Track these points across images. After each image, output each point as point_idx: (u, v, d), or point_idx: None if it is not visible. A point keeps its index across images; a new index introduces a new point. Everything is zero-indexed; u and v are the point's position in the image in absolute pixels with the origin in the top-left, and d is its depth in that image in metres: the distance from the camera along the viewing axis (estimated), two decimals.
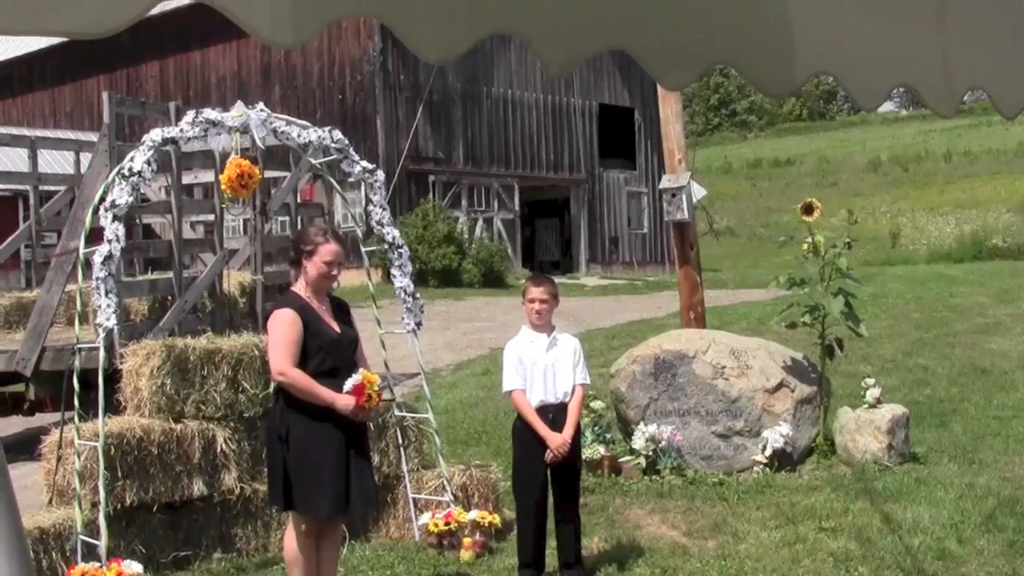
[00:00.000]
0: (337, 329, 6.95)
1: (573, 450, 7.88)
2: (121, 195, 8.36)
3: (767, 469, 10.58)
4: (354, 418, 6.74)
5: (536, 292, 7.85)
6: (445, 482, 9.10)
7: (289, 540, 7.04)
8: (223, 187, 8.64)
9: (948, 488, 9.69)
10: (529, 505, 7.78)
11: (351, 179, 10.02)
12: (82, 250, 8.40)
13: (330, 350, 6.83)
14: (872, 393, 10.78)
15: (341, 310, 7.16)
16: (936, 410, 13.05)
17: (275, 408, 7.01)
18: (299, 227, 14.05)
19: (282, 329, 6.76)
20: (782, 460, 10.65)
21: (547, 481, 7.85)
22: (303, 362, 6.72)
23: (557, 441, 7.66)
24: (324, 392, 6.68)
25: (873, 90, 3.47)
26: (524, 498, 7.85)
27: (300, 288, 6.97)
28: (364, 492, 6.93)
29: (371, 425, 7.96)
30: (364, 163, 9.83)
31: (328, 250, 6.87)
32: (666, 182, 12.89)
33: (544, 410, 7.76)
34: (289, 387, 6.74)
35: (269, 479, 7.10)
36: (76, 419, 7.95)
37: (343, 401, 6.67)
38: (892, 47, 3.44)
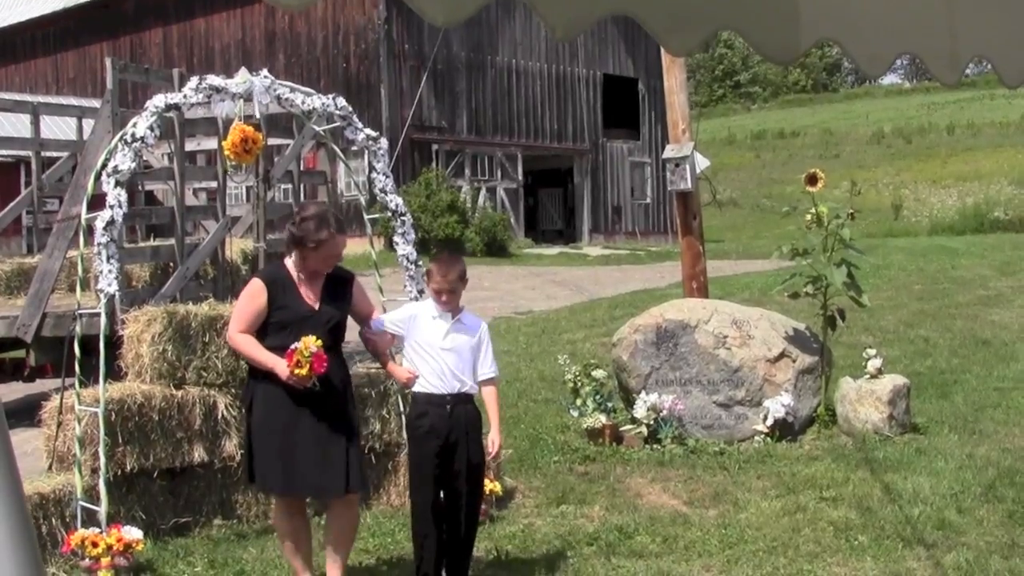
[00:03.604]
0: (315, 306, 6.74)
1: (480, 451, 7.03)
2: (123, 161, 8.34)
3: (768, 439, 10.60)
4: (295, 386, 6.46)
5: (443, 282, 6.89)
6: None
7: (274, 514, 7.11)
8: (226, 153, 8.61)
9: (948, 458, 9.70)
10: (427, 507, 6.90)
11: (354, 147, 10.00)
12: (84, 216, 8.39)
13: (297, 326, 6.58)
14: (873, 364, 10.78)
15: (337, 283, 6.93)
16: (937, 381, 13.05)
17: (246, 384, 7.05)
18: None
19: (243, 298, 6.82)
20: (783, 430, 10.66)
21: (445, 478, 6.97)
22: (267, 336, 6.65)
23: (404, 374, 7.04)
24: (265, 356, 6.58)
25: (877, 58, 3.45)
26: (421, 499, 6.93)
27: (291, 262, 6.85)
28: (330, 471, 6.64)
29: (368, 397, 7.89)
30: (368, 131, 9.80)
31: (333, 244, 6.71)
32: (670, 152, 12.87)
33: (440, 399, 6.84)
34: (236, 352, 6.95)
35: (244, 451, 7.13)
36: (77, 385, 7.95)
37: (280, 367, 6.47)
38: (897, 15, 3.42)
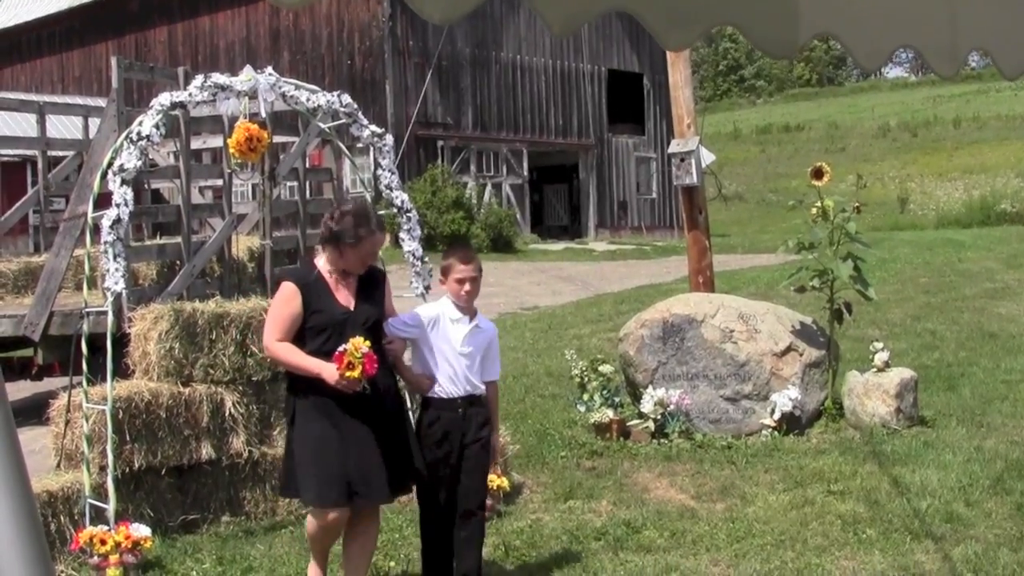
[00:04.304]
0: (350, 306, 6.44)
1: (488, 451, 6.91)
2: (129, 159, 8.35)
3: (775, 433, 10.59)
4: (344, 389, 6.12)
5: (466, 269, 6.70)
6: None
7: (308, 524, 6.69)
8: (231, 151, 8.62)
9: (956, 451, 9.69)
10: (438, 510, 6.76)
11: (360, 144, 10.00)
12: (90, 215, 8.40)
13: (335, 329, 6.31)
14: (880, 357, 10.77)
15: (370, 283, 6.62)
16: (944, 374, 13.04)
17: (287, 396, 6.68)
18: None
19: (276, 304, 6.48)
20: (790, 424, 10.66)
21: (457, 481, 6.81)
22: (304, 342, 6.34)
23: (425, 382, 6.75)
24: (310, 362, 6.25)
25: (875, 51, 3.45)
26: (433, 502, 6.76)
27: (322, 261, 6.53)
28: (374, 479, 6.35)
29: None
30: (373, 127, 9.81)
31: (373, 242, 6.45)
32: (675, 146, 12.87)
33: (452, 403, 6.71)
34: (277, 362, 6.49)
35: (282, 464, 6.82)
36: (84, 383, 7.96)
37: (327, 370, 6.14)
38: (895, 8, 3.42)
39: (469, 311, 6.78)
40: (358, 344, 6.08)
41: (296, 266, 6.99)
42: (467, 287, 6.68)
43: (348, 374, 6.07)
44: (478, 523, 6.88)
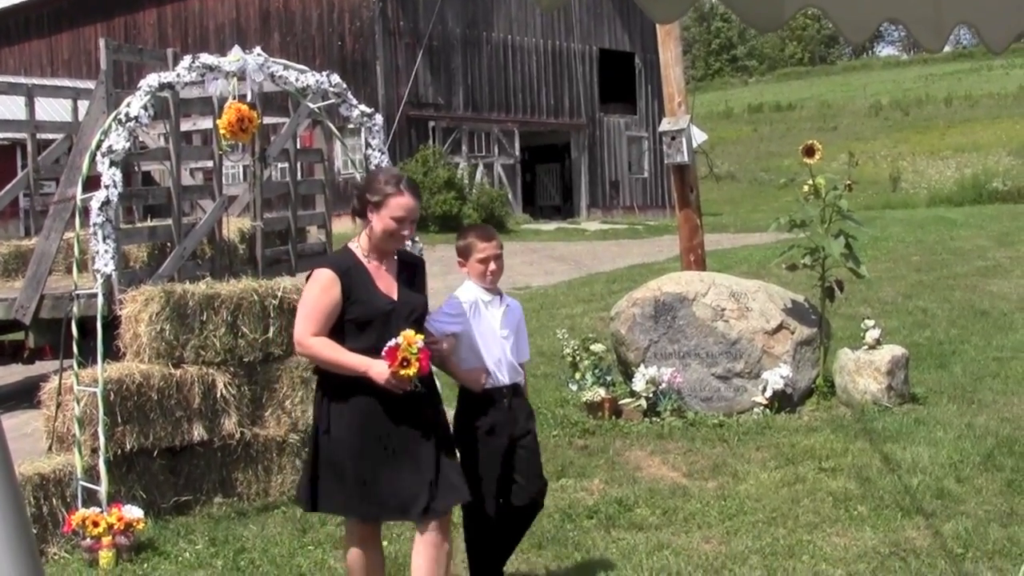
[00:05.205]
0: (394, 296, 5.70)
1: (537, 443, 6.50)
2: (118, 140, 8.34)
3: (767, 410, 10.61)
4: (394, 389, 5.41)
5: (488, 247, 6.19)
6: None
7: (345, 544, 6.04)
8: (222, 131, 8.60)
9: (947, 428, 9.71)
10: (490, 513, 6.22)
11: (350, 124, 9.99)
12: (79, 197, 8.38)
13: (381, 322, 5.57)
14: (871, 334, 10.78)
15: (410, 270, 5.93)
16: (936, 351, 13.06)
17: (317, 399, 5.83)
18: (299, 173, 14.05)
19: (312, 293, 5.62)
20: (782, 401, 10.67)
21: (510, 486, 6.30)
22: (345, 338, 5.57)
23: (479, 376, 6.19)
24: (354, 359, 5.49)
25: (861, 24, 3.44)
26: (485, 505, 6.17)
27: (358, 245, 5.79)
28: (417, 486, 5.61)
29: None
30: (362, 107, 9.81)
31: (399, 203, 5.61)
32: (666, 125, 12.86)
33: (498, 394, 6.19)
34: (313, 359, 5.75)
35: (301, 475, 6.09)
36: (75, 366, 7.96)
37: (376, 368, 5.40)
38: None
39: (496, 291, 6.29)
40: (412, 338, 5.38)
41: (332, 253, 5.92)
42: (492, 266, 6.18)
43: (403, 372, 5.36)
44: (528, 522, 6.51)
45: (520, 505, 6.32)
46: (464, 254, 6.25)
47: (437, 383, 6.05)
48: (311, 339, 5.54)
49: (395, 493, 5.60)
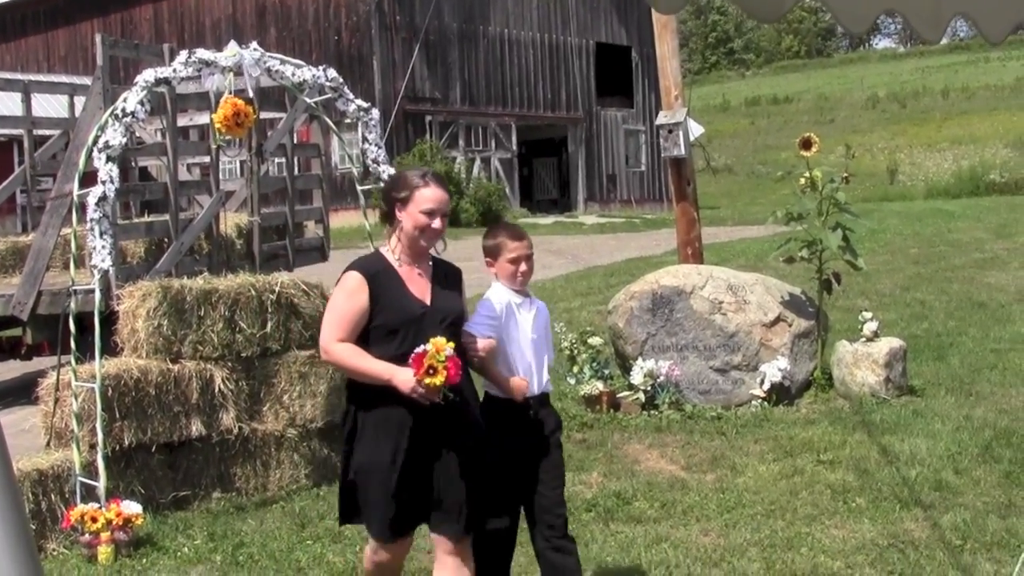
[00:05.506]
0: (427, 301, 5.40)
1: (562, 458, 6.00)
2: (115, 136, 8.33)
3: (765, 403, 10.61)
4: (420, 400, 5.10)
5: (520, 247, 5.89)
6: None
7: (365, 558, 5.74)
8: (218, 126, 8.59)
9: (945, 420, 9.71)
10: (507, 531, 5.86)
11: (347, 119, 9.99)
12: (76, 193, 8.38)
13: (411, 328, 5.28)
14: (869, 327, 10.78)
15: (447, 277, 5.63)
16: (933, 343, 13.06)
17: (346, 408, 5.58)
18: (296, 168, 14.04)
19: (338, 298, 5.39)
20: (780, 394, 10.67)
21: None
22: (374, 345, 5.30)
23: (523, 385, 5.70)
24: (378, 366, 5.20)
25: (860, 15, 3.44)
26: (501, 523, 5.78)
27: (389, 248, 5.51)
28: (450, 505, 5.37)
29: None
30: (359, 101, 9.81)
31: (426, 195, 5.37)
32: (663, 118, 12.83)
33: (525, 405, 5.73)
34: (337, 366, 5.60)
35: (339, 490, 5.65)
36: (73, 362, 7.95)
37: (401, 376, 5.11)
38: None
39: (525, 293, 5.93)
40: (440, 345, 5.06)
41: (362, 257, 5.68)
42: (523, 267, 5.86)
43: (428, 381, 5.03)
44: (569, 539, 5.88)
45: (550, 523, 5.78)
46: (493, 254, 5.92)
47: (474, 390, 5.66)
48: (336, 345, 5.30)
49: (423, 509, 5.36)
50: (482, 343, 5.58)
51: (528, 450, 5.74)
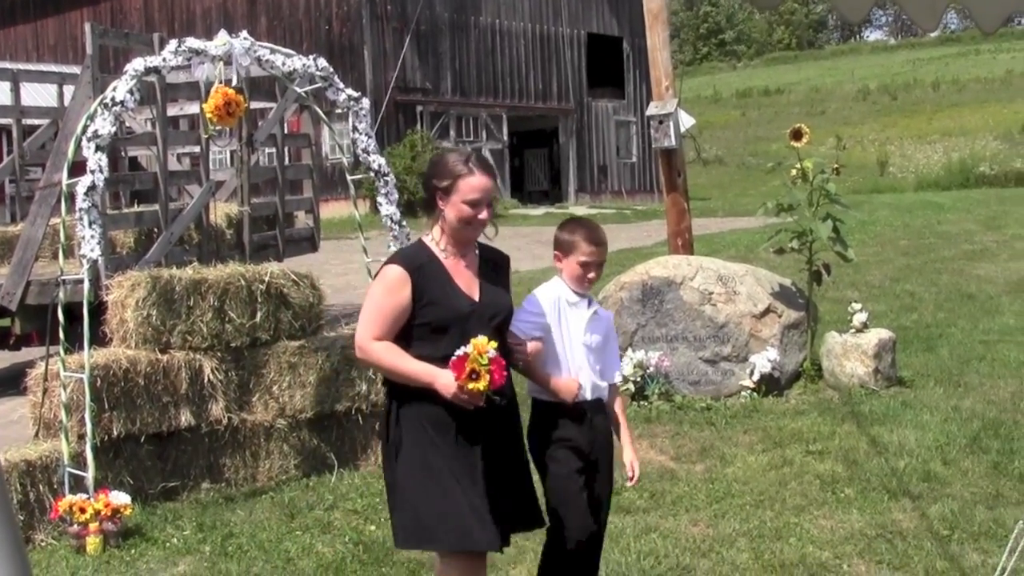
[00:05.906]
0: (475, 296, 4.98)
1: (611, 476, 5.56)
2: (103, 125, 8.31)
3: (754, 394, 10.62)
4: (464, 405, 4.73)
5: (595, 252, 5.37)
6: None
7: None
8: (208, 115, 8.57)
9: (934, 411, 9.73)
10: (582, 536, 5.29)
11: (338, 109, 9.97)
12: (65, 182, 8.36)
13: (456, 328, 4.85)
14: (859, 318, 10.79)
15: (495, 268, 5.21)
16: (923, 335, 13.08)
17: (386, 414, 5.07)
18: (287, 158, 14.03)
19: (377, 293, 4.94)
20: (769, 385, 10.68)
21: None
22: (417, 344, 4.87)
23: (573, 386, 5.29)
24: (418, 368, 4.79)
25: (857, 4, 3.44)
26: (576, 527, 5.25)
27: (432, 238, 5.07)
28: (526, 502, 5.13)
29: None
30: (349, 91, 9.78)
31: (471, 184, 4.91)
32: (653, 109, 12.82)
33: (577, 409, 5.30)
34: (374, 366, 5.30)
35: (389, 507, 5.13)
36: (62, 352, 7.94)
37: (442, 379, 4.72)
38: None
39: (584, 295, 5.44)
40: (482, 346, 4.66)
41: (405, 247, 5.43)
42: (592, 274, 5.37)
43: (471, 386, 4.66)
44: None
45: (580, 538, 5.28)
46: (565, 249, 5.42)
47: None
48: (373, 343, 4.85)
49: (500, 518, 4.89)
50: (530, 346, 5.24)
51: (589, 458, 5.34)
